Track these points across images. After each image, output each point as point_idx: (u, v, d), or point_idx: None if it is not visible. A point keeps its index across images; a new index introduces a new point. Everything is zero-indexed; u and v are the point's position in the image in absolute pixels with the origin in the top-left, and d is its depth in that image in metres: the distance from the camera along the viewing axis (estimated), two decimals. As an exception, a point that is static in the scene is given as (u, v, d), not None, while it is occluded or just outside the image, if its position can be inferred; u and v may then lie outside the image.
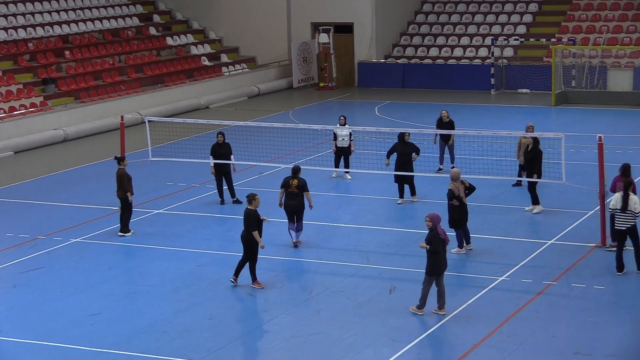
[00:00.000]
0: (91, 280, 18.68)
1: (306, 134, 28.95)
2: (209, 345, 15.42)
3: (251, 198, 17.74)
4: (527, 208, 22.00)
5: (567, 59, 38.09)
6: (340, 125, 25.28)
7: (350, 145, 25.21)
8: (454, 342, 15.43)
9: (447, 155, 25.52)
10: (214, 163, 23.06)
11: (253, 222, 17.50)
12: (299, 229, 20.02)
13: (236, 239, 18.81)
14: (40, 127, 32.49)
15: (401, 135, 22.93)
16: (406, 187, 22.97)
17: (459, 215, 19.16)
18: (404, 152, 22.68)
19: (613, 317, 16.17)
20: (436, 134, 25.34)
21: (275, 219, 20.32)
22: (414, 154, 22.77)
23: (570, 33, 41.02)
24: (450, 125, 25.18)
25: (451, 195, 19.07)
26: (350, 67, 43.16)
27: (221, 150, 23.21)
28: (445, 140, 25.22)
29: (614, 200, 18.01)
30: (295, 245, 20.00)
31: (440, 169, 25.34)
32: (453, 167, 21.65)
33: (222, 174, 23.28)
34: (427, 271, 16.14)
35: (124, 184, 20.95)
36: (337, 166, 25.36)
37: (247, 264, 17.80)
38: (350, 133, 25.25)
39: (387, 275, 18.43)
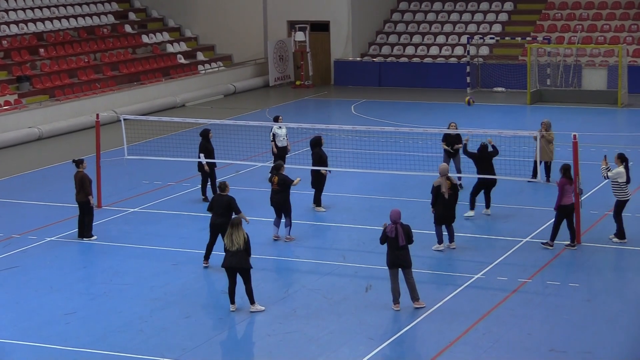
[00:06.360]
0: (66, 279, 18.59)
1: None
2: (185, 344, 15.39)
3: (224, 185, 18.62)
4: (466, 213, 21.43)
5: (542, 58, 38.24)
6: (279, 125, 24.31)
7: (287, 145, 24.66)
8: (429, 340, 15.48)
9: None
10: (207, 161, 23.04)
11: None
12: (287, 225, 20.15)
13: (212, 238, 18.82)
14: (14, 125, 32.28)
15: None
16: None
17: (439, 212, 19.20)
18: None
19: (587, 315, 16.28)
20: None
21: (252, 218, 20.30)
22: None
23: (545, 32, 41.20)
24: (457, 137, 23.80)
25: (435, 191, 19.14)
26: (327, 66, 43.14)
27: (210, 147, 23.26)
28: (450, 154, 24.04)
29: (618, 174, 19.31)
30: (276, 239, 20.17)
31: None
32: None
33: (211, 171, 23.33)
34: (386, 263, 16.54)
35: (85, 187, 20.52)
36: None
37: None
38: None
39: (363, 273, 18.45)
